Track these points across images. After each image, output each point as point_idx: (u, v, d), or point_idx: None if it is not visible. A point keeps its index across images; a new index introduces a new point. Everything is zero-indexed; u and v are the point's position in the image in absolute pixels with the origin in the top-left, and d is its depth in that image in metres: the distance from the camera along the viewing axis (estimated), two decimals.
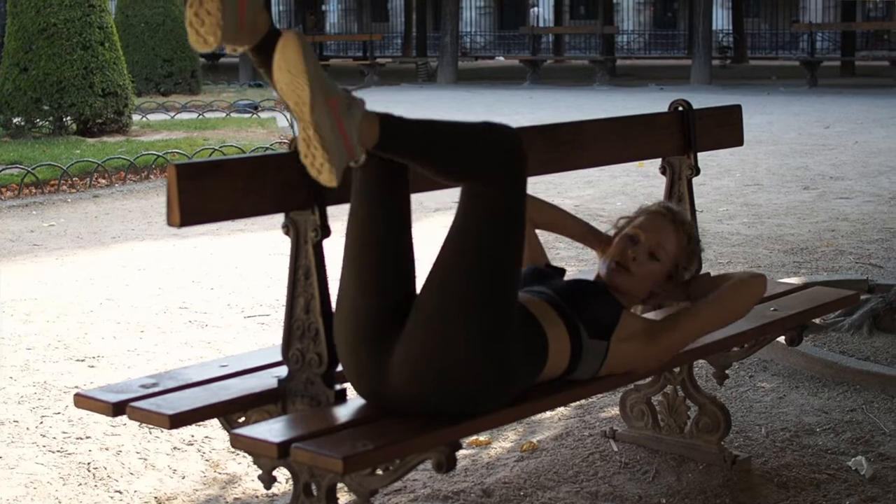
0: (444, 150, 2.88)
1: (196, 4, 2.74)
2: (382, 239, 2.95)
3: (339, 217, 3.01)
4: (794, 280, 6.06)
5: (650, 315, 3.86)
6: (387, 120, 2.83)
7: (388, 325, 2.92)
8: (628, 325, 3.30)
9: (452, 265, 2.88)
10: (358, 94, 2.87)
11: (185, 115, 19.46)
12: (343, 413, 2.97)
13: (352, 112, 2.78)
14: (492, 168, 2.85)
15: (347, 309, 2.95)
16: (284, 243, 3.22)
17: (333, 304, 3.02)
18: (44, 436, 4.48)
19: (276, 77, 2.76)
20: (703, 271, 4.22)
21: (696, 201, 4.30)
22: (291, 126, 15.98)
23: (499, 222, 2.87)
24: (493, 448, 4.27)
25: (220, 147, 13.45)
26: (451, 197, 3.14)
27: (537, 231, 3.77)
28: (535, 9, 47.67)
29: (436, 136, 2.88)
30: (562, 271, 3.50)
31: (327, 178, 2.75)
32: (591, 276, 3.58)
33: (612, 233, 3.63)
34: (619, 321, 3.28)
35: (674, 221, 3.55)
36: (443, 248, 2.92)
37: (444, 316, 2.85)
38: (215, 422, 3.24)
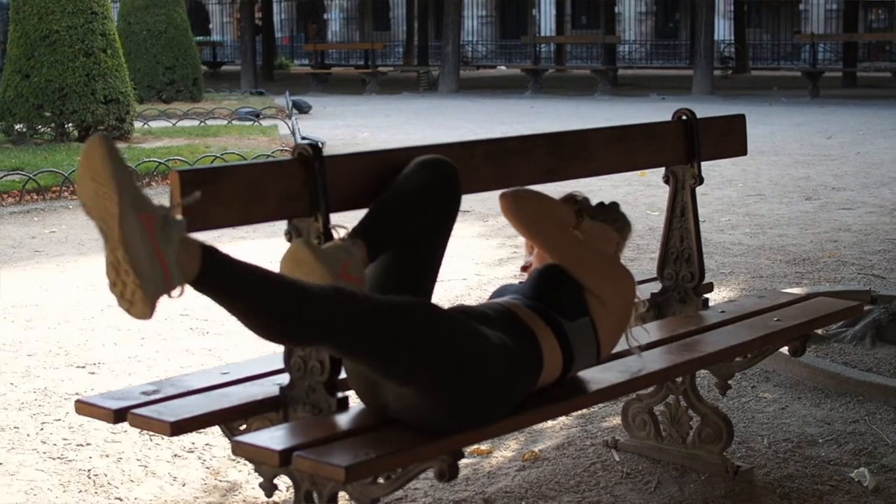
0: (268, 305, 2.61)
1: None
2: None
3: (341, 223, 3.00)
4: (797, 290, 6.04)
5: (655, 325, 3.85)
6: (210, 253, 2.54)
7: None
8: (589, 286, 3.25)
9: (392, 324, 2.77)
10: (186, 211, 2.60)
11: (186, 123, 19.45)
12: (345, 421, 2.96)
13: (169, 233, 2.45)
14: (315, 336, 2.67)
15: None
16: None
17: None
18: (44, 442, 4.47)
19: (80, 189, 2.42)
20: (706, 281, 4.23)
21: (699, 211, 4.29)
22: (293, 134, 15.97)
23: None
24: (495, 457, 4.25)
25: (222, 154, 13.45)
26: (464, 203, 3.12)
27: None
28: None
29: (266, 286, 2.62)
30: None
31: (140, 310, 2.42)
32: None
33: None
34: (584, 287, 3.24)
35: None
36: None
37: (419, 356, 2.79)
38: (216, 429, 3.23)
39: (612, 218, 3.53)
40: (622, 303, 3.30)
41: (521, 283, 3.43)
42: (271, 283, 2.62)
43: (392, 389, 2.86)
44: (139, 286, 2.41)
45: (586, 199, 3.49)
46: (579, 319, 3.18)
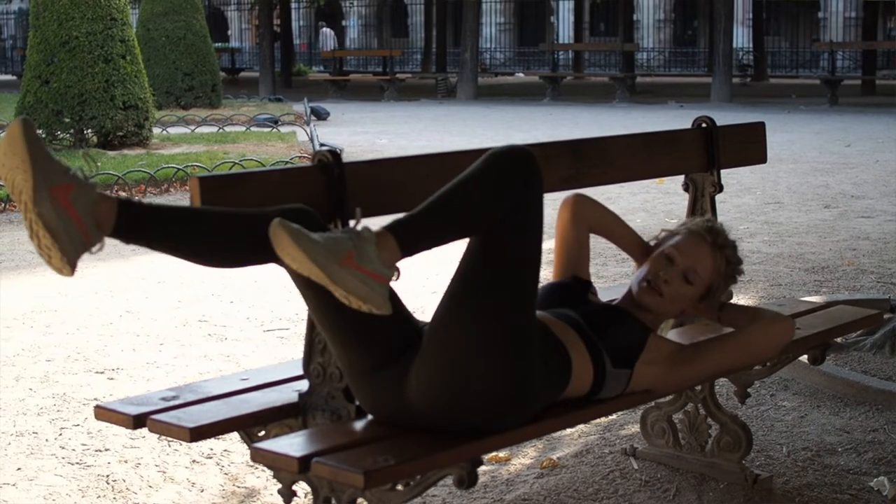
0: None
1: (36, 239, 2.62)
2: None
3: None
4: (816, 299, 6.03)
5: (675, 333, 3.85)
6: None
7: (398, 349, 2.91)
8: (654, 349, 3.28)
9: (470, 285, 2.86)
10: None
11: (205, 129, 19.48)
12: (364, 428, 2.96)
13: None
14: None
15: (347, 348, 2.94)
16: None
17: None
18: (63, 447, 4.48)
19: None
20: None
21: (717, 219, 4.28)
22: (312, 140, 15.99)
23: (512, 249, 2.84)
24: (513, 464, 4.25)
25: (240, 161, 13.47)
26: None
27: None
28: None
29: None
30: (587, 286, 3.48)
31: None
32: (618, 293, 3.57)
33: (653, 244, 3.59)
34: (644, 346, 3.25)
35: (713, 245, 3.47)
36: (460, 265, 2.90)
37: (463, 336, 2.83)
38: (234, 435, 3.23)
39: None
40: (669, 384, 3.37)
41: (575, 278, 3.45)
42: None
43: (418, 381, 2.86)
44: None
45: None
46: (622, 369, 3.21)
